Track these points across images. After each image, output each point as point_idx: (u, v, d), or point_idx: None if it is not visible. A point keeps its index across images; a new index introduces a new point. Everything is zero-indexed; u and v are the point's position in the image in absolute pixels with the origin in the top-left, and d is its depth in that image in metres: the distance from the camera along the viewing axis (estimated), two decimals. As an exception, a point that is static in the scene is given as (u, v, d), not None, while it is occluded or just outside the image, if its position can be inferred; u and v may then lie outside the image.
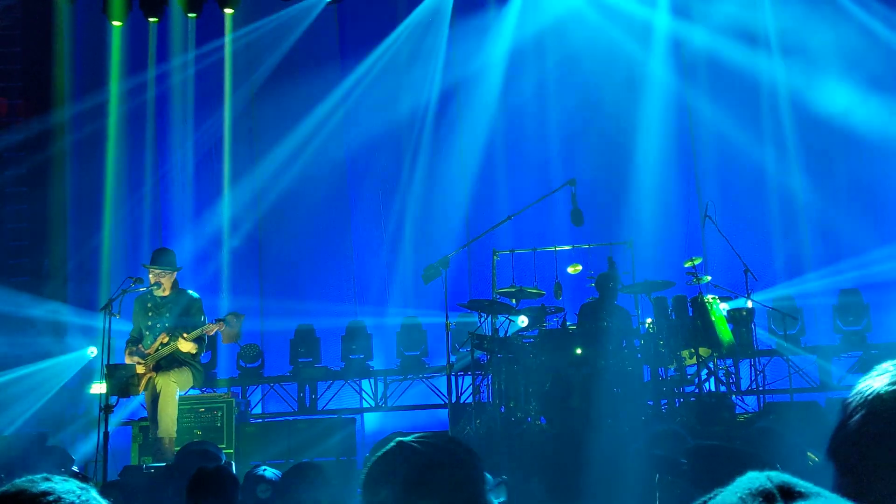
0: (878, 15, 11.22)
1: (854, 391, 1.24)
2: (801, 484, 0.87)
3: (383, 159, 12.45)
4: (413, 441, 1.85)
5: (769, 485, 0.86)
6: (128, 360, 8.05)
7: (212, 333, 8.07)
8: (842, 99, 11.03)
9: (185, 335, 7.87)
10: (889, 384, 1.20)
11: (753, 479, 0.87)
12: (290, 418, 10.55)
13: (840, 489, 1.20)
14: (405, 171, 12.31)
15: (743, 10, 11.55)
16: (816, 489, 0.86)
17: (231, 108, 12.65)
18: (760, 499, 0.84)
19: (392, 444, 1.87)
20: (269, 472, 5.02)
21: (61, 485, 1.34)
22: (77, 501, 1.33)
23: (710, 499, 0.89)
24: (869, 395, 1.21)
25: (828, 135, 11.27)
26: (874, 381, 1.23)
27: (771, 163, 11.45)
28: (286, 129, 12.34)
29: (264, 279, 12.55)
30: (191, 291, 8.30)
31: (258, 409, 11.42)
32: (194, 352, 8.01)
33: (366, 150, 12.41)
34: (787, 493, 0.85)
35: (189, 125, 12.68)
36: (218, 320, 7.93)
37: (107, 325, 7.64)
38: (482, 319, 8.80)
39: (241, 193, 12.48)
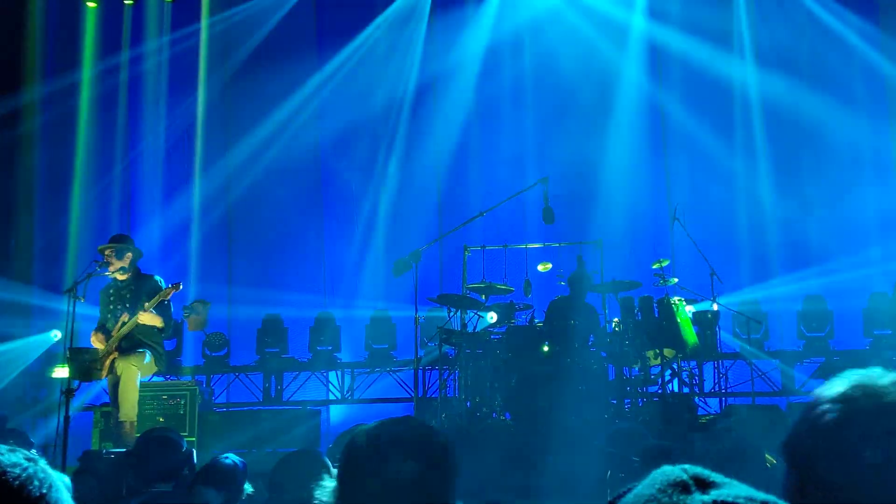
0: (853, 26, 11.36)
1: (815, 394, 1.29)
2: (714, 475, 0.89)
3: (358, 151, 12.42)
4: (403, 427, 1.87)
5: (684, 476, 0.89)
6: (92, 341, 7.97)
7: (168, 298, 7.91)
8: (813, 107, 11.16)
9: (145, 305, 7.76)
10: (848, 387, 1.25)
11: (669, 472, 0.90)
12: (255, 408, 10.53)
13: (787, 483, 1.24)
14: (379, 164, 12.29)
15: (718, 15, 11.66)
16: (729, 480, 0.89)
17: (205, 93, 12.57)
18: (676, 489, 0.87)
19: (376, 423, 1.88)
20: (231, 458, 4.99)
21: (6, 456, 1.26)
22: (22, 475, 1.24)
23: (627, 491, 0.91)
24: (824, 395, 1.26)
25: (798, 142, 11.42)
26: (833, 385, 1.28)
27: (741, 168, 11.57)
28: (260, 117, 12.27)
29: (233, 267, 12.48)
30: (155, 276, 8.22)
31: (223, 399, 11.36)
32: (160, 325, 7.89)
33: (340, 140, 12.37)
34: (701, 483, 0.88)
35: (162, 109, 12.58)
36: (175, 284, 7.82)
37: (71, 309, 7.56)
38: (451, 314, 8.82)
39: (213, 180, 12.39)
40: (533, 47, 12.07)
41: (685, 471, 0.90)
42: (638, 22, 11.88)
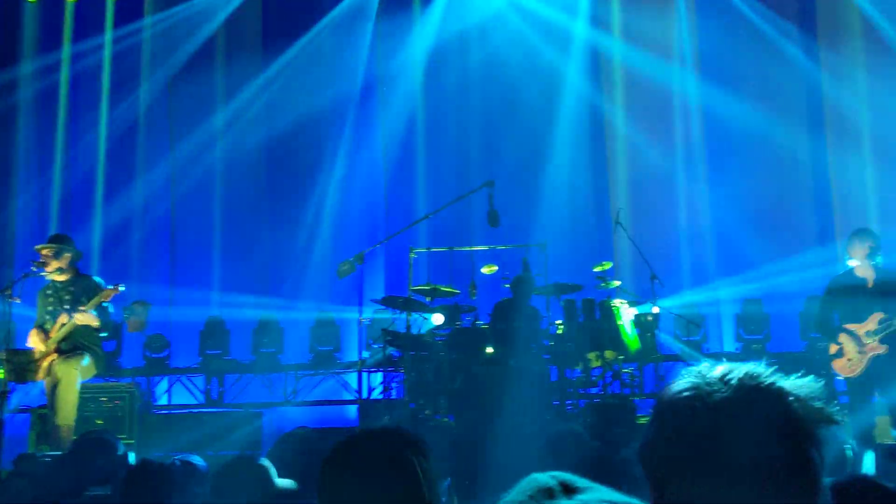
0: (793, 38, 11.62)
1: (659, 395, 1.31)
2: (580, 480, 0.92)
3: (302, 151, 12.35)
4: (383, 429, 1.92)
5: (552, 482, 0.91)
6: (30, 342, 7.82)
7: (109, 299, 7.80)
8: (751, 117, 11.41)
9: (81, 308, 7.64)
10: (679, 390, 1.27)
11: (537, 479, 0.92)
12: (196, 410, 10.42)
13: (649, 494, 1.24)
14: (325, 165, 12.23)
15: (659, 24, 11.86)
16: (594, 484, 0.91)
17: (148, 91, 12.40)
18: (544, 495, 0.89)
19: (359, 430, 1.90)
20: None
21: None
22: None
23: (499, 501, 0.93)
24: (663, 399, 1.28)
25: (737, 150, 11.65)
26: (670, 387, 1.29)
27: (681, 174, 11.77)
28: (204, 115, 12.14)
29: (175, 268, 12.33)
30: (94, 277, 8.10)
31: (163, 401, 11.22)
32: (96, 324, 7.76)
33: (285, 141, 12.29)
34: (567, 488, 0.90)
35: (103, 107, 12.38)
36: (116, 285, 7.71)
37: (6, 309, 7.41)
38: (396, 316, 8.83)
39: (155, 179, 12.23)
40: (479, 51, 12.13)
41: (553, 477, 0.92)
42: (581, 28, 12.02)
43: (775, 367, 1.31)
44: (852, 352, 6.95)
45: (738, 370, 1.31)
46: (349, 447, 1.87)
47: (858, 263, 7.07)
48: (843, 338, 7.01)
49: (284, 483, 3.66)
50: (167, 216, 12.38)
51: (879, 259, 6.99)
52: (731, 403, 1.25)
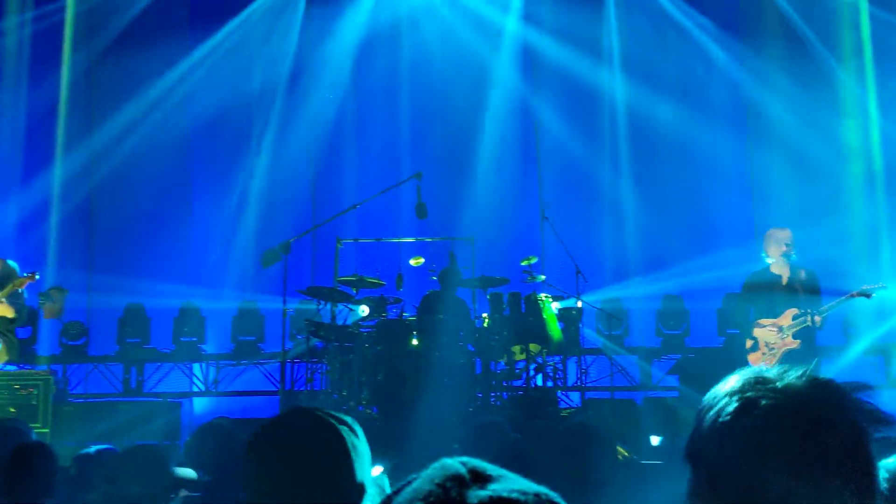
0: (719, 42, 11.87)
1: (710, 394, 1.33)
2: (492, 468, 0.90)
3: (229, 136, 12.14)
4: (312, 410, 1.85)
5: (462, 469, 0.89)
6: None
7: (23, 287, 7.57)
8: (676, 118, 11.63)
9: None
10: (744, 389, 1.30)
11: (447, 466, 0.90)
12: (114, 399, 10.20)
13: (695, 484, 1.28)
14: (251, 151, 12.05)
15: (589, 24, 12.00)
16: (506, 472, 0.90)
17: (69, 72, 12.03)
18: (453, 483, 0.87)
19: (289, 410, 1.87)
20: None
21: None
22: None
23: (406, 485, 0.91)
24: (727, 395, 1.30)
25: (661, 150, 11.86)
26: (727, 384, 1.32)
27: (606, 171, 11.93)
28: (128, 98, 11.83)
29: (94, 253, 12.01)
30: (9, 261, 7.84)
31: (80, 390, 10.95)
32: (10, 315, 7.53)
33: (211, 125, 12.06)
34: (478, 477, 0.89)
35: (22, 88, 11.96)
36: (30, 273, 7.49)
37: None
38: (321, 307, 8.75)
39: (75, 161, 11.87)
40: (410, 41, 12.09)
41: (464, 464, 0.90)
42: (512, 25, 12.09)
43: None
44: (766, 347, 7.15)
45: (798, 370, 1.32)
46: (273, 428, 1.83)
47: (774, 261, 7.27)
48: (758, 332, 7.21)
49: (184, 472, 3.62)
50: (87, 200, 12.05)
51: (794, 257, 7.19)
52: (810, 402, 1.26)
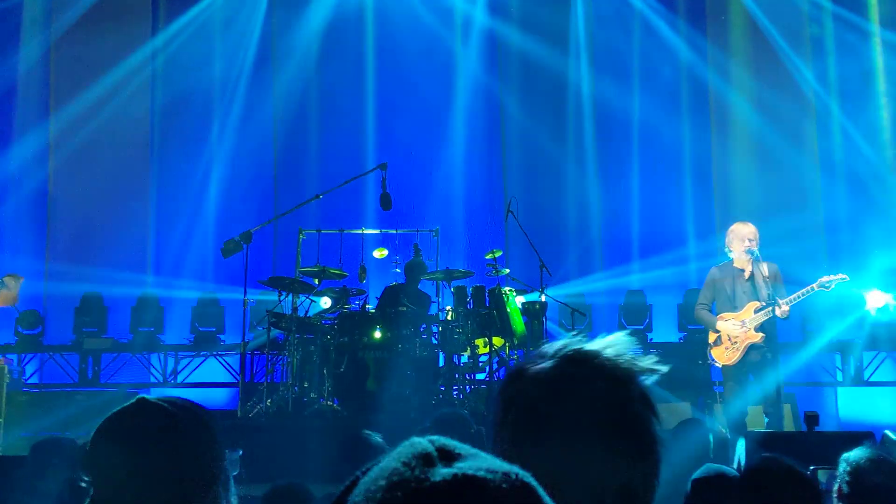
0: (683, 35, 11.94)
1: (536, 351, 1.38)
2: (461, 446, 0.89)
3: (190, 123, 11.95)
4: (156, 400, 1.83)
5: (430, 447, 0.88)
6: None
7: None
8: (641, 110, 11.69)
9: None
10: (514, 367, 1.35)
11: (416, 444, 0.89)
12: (69, 390, 10.03)
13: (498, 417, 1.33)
14: (213, 138, 11.89)
15: (556, 16, 12.02)
16: (475, 451, 0.89)
17: (26, 56, 11.77)
18: (420, 461, 0.86)
19: (133, 400, 1.83)
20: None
21: None
22: None
23: (374, 465, 0.89)
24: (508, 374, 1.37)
25: (625, 142, 11.93)
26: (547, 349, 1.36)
27: (571, 164, 11.96)
28: (87, 83, 11.60)
29: (52, 240, 11.78)
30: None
31: (35, 379, 10.77)
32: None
33: (172, 111, 11.88)
34: (446, 454, 0.87)
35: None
36: None
37: None
38: (282, 298, 8.65)
39: (31, 146, 11.62)
40: (376, 31, 12.01)
41: (432, 442, 0.88)
42: (479, 15, 12.05)
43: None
44: (729, 340, 7.19)
45: (562, 343, 1.35)
46: (119, 418, 1.82)
47: (737, 255, 7.30)
48: (720, 326, 7.24)
49: None
50: (44, 185, 11.81)
51: (756, 251, 7.23)
52: (551, 373, 1.30)
